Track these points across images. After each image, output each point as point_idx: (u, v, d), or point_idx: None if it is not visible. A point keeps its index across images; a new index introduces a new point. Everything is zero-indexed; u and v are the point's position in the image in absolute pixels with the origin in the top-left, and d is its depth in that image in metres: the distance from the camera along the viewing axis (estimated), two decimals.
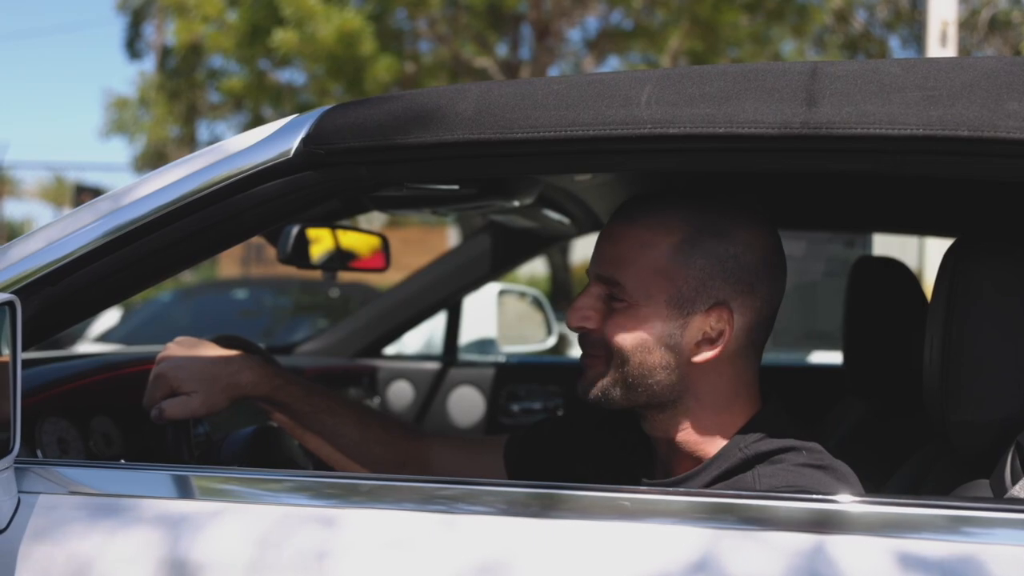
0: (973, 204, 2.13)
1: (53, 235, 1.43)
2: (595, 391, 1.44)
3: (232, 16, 13.28)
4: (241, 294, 9.70)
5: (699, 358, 1.39)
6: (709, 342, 1.39)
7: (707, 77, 1.26)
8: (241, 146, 1.42)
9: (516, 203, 1.90)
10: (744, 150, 1.24)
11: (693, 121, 1.23)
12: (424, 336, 4.23)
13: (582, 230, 2.72)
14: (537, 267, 18.62)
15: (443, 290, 3.02)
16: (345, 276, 2.92)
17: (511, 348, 3.68)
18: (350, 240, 2.60)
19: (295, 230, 2.43)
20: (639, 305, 1.38)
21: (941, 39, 9.82)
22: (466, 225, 13.03)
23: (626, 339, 1.39)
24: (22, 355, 1.29)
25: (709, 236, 1.38)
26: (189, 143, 17.32)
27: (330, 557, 1.19)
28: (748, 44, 13.52)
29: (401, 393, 3.03)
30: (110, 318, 8.35)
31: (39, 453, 1.65)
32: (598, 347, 1.43)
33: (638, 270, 1.39)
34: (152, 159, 18.01)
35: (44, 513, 1.28)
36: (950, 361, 1.34)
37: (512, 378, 3.06)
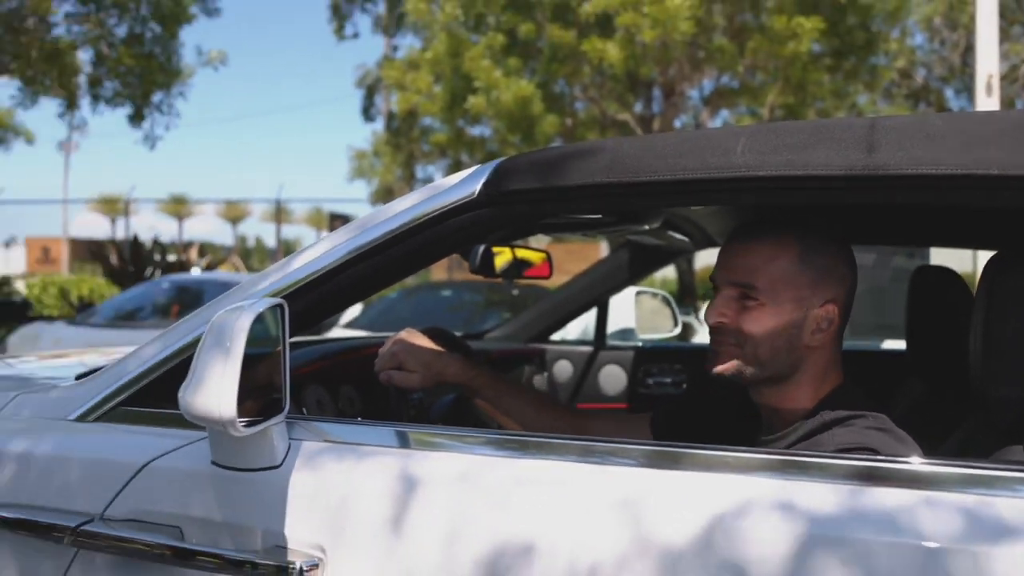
0: (1009, 224, 2.01)
1: (314, 253, 1.47)
2: (729, 369, 1.42)
3: (438, 88, 13.57)
4: (448, 293, 9.87)
5: (813, 343, 1.39)
6: (821, 330, 1.39)
7: (788, 131, 1.24)
8: (440, 189, 1.45)
9: (646, 227, 1.88)
10: (818, 187, 1.20)
11: (777, 166, 1.21)
12: (581, 326, 4.23)
13: (699, 246, 2.66)
14: (668, 273, 18.36)
15: (595, 291, 3.01)
16: (521, 281, 2.93)
17: (646, 336, 3.63)
18: (524, 254, 2.61)
19: (482, 248, 2.46)
20: (770, 303, 1.38)
21: (987, 90, 9.23)
22: (613, 240, 12.96)
23: (760, 329, 1.38)
24: (291, 340, 1.34)
25: (815, 250, 1.39)
26: (409, 182, 17.76)
27: (510, 490, 1.21)
28: (830, 98, 13.05)
29: (563, 370, 3.04)
30: (354, 310, 8.62)
31: (304, 411, 1.70)
32: (731, 336, 1.41)
33: (768, 276, 1.38)
34: (383, 195, 18.54)
35: (307, 454, 1.32)
36: (990, 348, 1.28)
37: (647, 359, 3.03)
